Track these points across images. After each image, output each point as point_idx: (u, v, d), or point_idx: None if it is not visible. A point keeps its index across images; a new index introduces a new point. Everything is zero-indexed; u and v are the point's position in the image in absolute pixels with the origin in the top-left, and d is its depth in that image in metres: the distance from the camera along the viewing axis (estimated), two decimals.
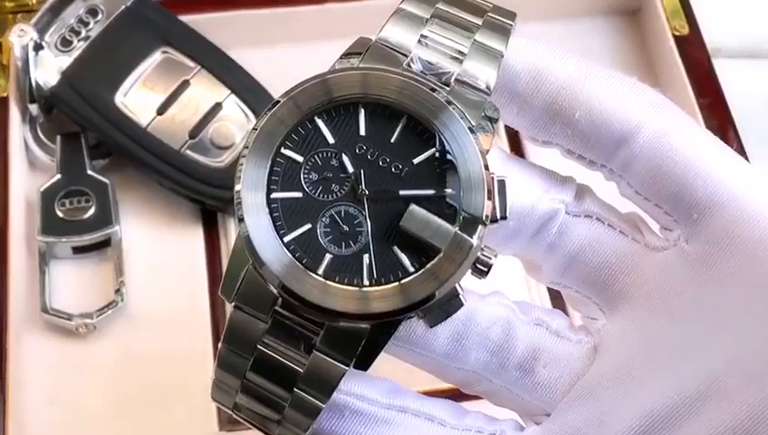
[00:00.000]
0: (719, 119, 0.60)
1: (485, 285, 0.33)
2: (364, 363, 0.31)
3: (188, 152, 0.58)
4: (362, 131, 0.32)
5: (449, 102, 0.32)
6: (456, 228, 0.31)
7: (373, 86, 0.32)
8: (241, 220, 0.31)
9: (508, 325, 0.33)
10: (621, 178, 0.34)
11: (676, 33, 0.64)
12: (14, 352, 0.53)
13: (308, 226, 0.31)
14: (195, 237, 0.59)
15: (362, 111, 0.32)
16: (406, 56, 0.33)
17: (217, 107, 0.59)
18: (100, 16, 0.60)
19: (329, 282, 0.31)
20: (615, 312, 0.34)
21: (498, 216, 0.31)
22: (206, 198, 0.58)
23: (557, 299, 0.56)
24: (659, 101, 0.33)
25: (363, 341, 0.31)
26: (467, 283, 0.32)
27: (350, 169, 0.32)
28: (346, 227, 0.31)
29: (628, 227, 0.34)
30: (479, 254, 0.31)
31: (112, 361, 0.55)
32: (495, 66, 0.33)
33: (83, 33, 0.59)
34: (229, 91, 0.59)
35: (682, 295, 0.32)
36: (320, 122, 0.32)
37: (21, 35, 0.58)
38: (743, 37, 0.69)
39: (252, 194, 0.31)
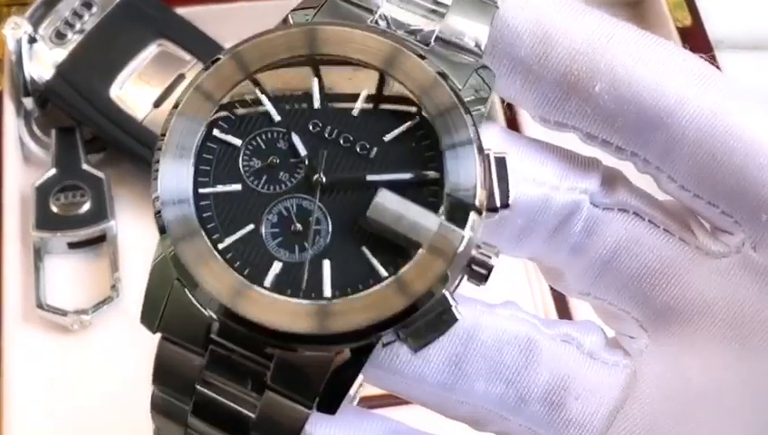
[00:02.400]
0: None
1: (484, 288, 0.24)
2: (330, 404, 0.24)
3: None
4: (317, 104, 0.24)
5: (422, 57, 0.24)
6: (442, 218, 0.23)
7: (316, 44, 0.24)
8: (162, 227, 0.23)
9: (528, 345, 0.25)
10: (660, 171, 0.25)
11: (679, 25, 0.61)
12: (9, 348, 0.52)
13: (250, 226, 0.24)
14: None
15: (314, 78, 0.24)
16: (372, 12, 0.25)
17: None
18: (94, 9, 0.58)
19: (277, 295, 0.23)
20: (661, 332, 0.26)
21: (498, 203, 0.24)
22: None
23: (561, 302, 0.53)
24: (705, 71, 0.25)
25: (327, 375, 0.23)
26: (466, 290, 0.24)
27: (303, 151, 0.24)
28: (299, 226, 0.24)
29: (674, 224, 0.26)
30: (474, 252, 0.23)
31: (107, 356, 0.53)
32: (487, 20, 0.25)
33: (78, 26, 0.57)
34: None
35: (754, 318, 0.25)
36: (261, 96, 0.24)
37: (15, 28, 0.55)
38: (746, 29, 0.66)
39: (174, 188, 0.24)
